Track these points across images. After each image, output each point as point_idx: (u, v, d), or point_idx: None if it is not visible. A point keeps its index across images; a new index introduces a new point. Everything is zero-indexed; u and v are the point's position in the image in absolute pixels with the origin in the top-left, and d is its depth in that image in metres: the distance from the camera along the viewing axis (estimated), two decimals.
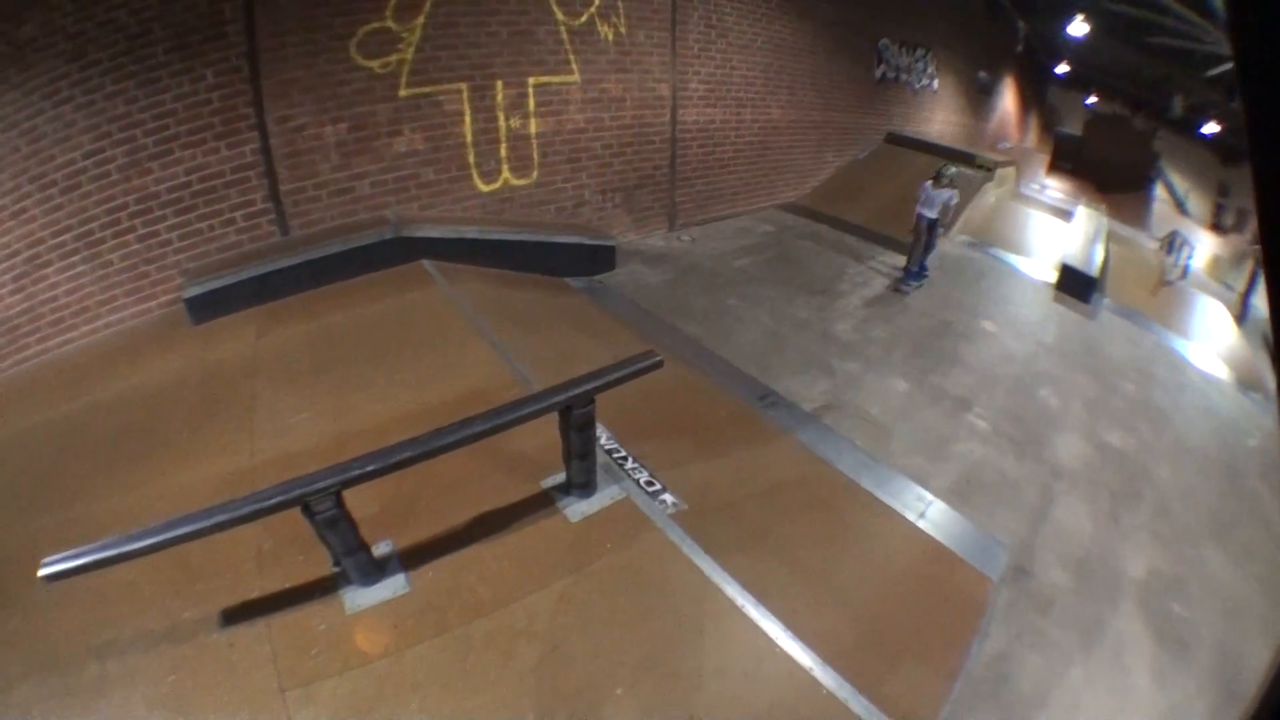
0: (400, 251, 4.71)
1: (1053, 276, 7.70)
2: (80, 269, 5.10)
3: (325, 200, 4.94)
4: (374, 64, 4.66)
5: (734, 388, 4.46)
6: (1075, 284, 7.40)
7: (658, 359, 2.90)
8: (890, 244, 7.69)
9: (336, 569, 2.55)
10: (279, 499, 2.25)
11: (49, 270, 5.15)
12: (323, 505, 2.28)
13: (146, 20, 4.63)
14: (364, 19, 4.62)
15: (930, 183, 6.70)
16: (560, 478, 2.91)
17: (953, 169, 6.86)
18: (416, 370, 3.80)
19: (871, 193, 9.04)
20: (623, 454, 3.35)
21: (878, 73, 10.00)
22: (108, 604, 2.70)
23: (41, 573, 2.26)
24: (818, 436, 4.06)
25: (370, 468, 2.34)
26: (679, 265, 6.45)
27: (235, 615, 2.56)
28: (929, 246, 6.82)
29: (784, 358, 5.03)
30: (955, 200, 6.85)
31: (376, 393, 3.64)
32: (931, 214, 6.63)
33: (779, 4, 7.54)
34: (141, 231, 4.93)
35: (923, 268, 6.91)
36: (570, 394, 2.63)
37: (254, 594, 2.60)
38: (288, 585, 2.60)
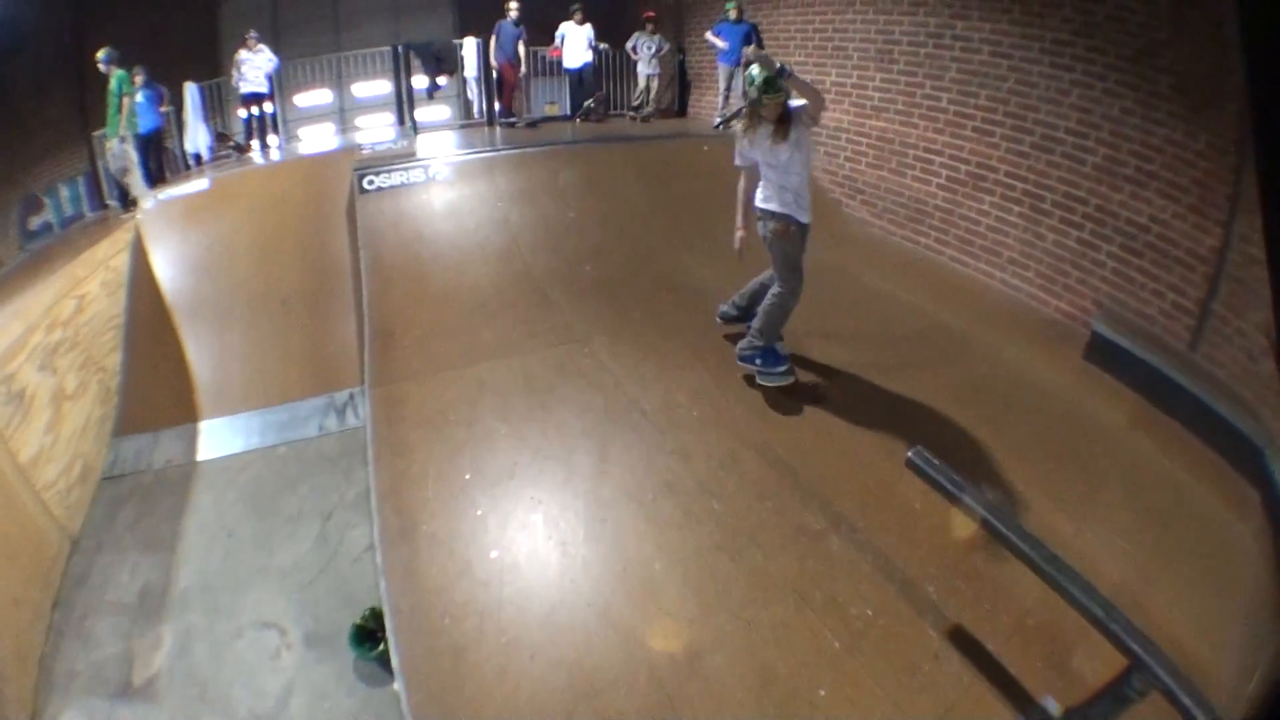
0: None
1: None
2: (1013, 220, 5.40)
3: (1235, 358, 3.85)
4: None
5: None
6: None
7: None
8: None
9: (1052, 711, 2.37)
10: (1121, 637, 2.12)
11: (984, 196, 5.65)
12: (1140, 684, 2.07)
13: (1154, 43, 4.35)
14: None
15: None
16: None
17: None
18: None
19: None
20: None
21: None
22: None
23: (910, 454, 2.65)
24: None
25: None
26: None
27: (942, 628, 2.67)
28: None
29: None
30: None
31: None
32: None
33: None
34: (1084, 235, 4.90)
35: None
36: None
37: (964, 622, 2.69)
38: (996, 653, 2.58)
